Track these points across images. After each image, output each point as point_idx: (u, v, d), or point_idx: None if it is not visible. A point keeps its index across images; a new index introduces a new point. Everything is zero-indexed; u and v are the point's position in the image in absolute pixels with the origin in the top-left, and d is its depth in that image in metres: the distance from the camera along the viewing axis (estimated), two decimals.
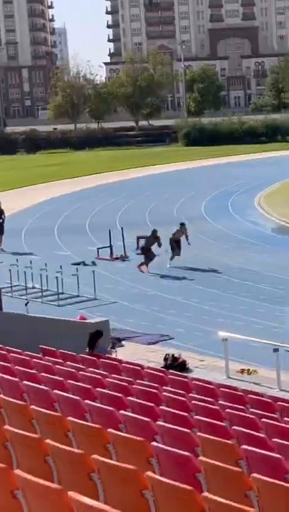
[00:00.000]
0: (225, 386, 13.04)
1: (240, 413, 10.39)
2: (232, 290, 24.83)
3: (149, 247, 28.68)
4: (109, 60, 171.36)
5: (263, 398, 12.25)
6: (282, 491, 6.43)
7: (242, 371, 16.73)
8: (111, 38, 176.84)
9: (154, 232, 29.25)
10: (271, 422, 10.03)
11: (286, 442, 8.77)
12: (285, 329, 20.17)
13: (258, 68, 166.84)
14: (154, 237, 28.93)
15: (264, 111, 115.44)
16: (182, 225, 30.18)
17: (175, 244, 28.98)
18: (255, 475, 6.65)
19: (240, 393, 12.36)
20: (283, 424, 10.10)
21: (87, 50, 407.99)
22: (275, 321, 21.08)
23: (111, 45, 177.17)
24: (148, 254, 28.55)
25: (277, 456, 7.79)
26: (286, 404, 11.81)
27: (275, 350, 15.73)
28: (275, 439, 8.83)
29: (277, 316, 21.67)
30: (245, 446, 7.92)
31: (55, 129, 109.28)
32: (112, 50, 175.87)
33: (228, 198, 48.22)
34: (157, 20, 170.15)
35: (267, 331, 19.83)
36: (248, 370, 16.78)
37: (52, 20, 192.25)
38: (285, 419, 10.65)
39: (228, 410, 10.34)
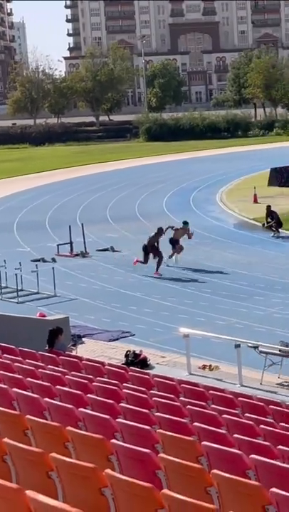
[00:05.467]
0: (186, 382, 13.04)
1: (201, 409, 10.39)
2: (193, 286, 24.84)
3: (153, 244, 27.21)
4: (68, 55, 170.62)
5: (224, 394, 12.26)
6: (243, 486, 6.43)
7: (203, 367, 16.71)
8: (70, 32, 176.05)
9: (160, 229, 27.81)
10: (232, 418, 10.04)
11: (247, 438, 8.78)
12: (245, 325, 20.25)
13: (219, 63, 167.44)
14: (158, 235, 27.53)
15: (225, 106, 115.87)
16: (185, 223, 29.46)
17: (176, 243, 28.34)
18: (215, 471, 6.65)
19: (201, 389, 12.36)
20: (244, 420, 10.11)
21: (47, 44, 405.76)
22: (237, 316, 21.10)
23: (70, 39, 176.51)
24: (155, 253, 27.05)
25: (238, 452, 7.81)
26: (247, 400, 11.83)
27: (237, 346, 15.75)
28: (235, 435, 8.84)
29: (239, 311, 21.69)
30: (205, 443, 7.91)
31: (14, 124, 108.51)
32: (71, 45, 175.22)
33: (189, 193, 48.27)
34: (117, 15, 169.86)
35: (229, 327, 19.86)
36: (210, 366, 16.77)
37: (10, 14, 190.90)
38: (246, 414, 10.66)
39: (189, 407, 10.33)
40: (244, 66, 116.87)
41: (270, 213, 34.04)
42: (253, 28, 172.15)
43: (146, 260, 27.10)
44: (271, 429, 9.71)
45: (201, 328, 18.63)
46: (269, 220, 33.83)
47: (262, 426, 9.68)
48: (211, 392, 12.13)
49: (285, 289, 24.01)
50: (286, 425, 10.16)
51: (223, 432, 9.16)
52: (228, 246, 31.53)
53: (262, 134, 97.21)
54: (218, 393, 12.17)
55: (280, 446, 8.46)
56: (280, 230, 33.51)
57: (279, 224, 33.72)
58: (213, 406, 11.00)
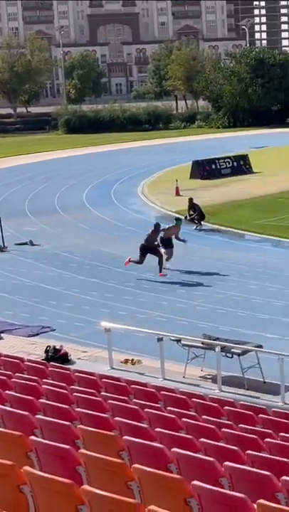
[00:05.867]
0: (108, 377, 12.98)
1: (123, 404, 10.37)
2: (115, 280, 24.71)
3: (153, 244, 25.33)
4: None
5: (146, 388, 12.27)
6: (164, 480, 6.44)
7: (126, 361, 16.60)
8: None
9: (157, 225, 26.02)
10: (154, 411, 10.06)
11: (169, 431, 8.79)
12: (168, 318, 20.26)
13: (140, 55, 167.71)
14: (156, 232, 25.56)
15: (146, 98, 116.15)
16: (178, 220, 27.53)
17: (167, 243, 26.01)
18: (136, 465, 6.65)
19: (123, 384, 12.33)
20: (166, 414, 10.13)
21: None
22: (159, 310, 21.07)
23: None
24: (155, 253, 25.12)
25: (159, 445, 7.81)
26: (170, 394, 11.85)
27: (159, 339, 15.67)
28: (157, 429, 8.85)
29: (161, 305, 21.67)
30: (126, 437, 7.91)
31: None
32: None
33: (110, 186, 48.13)
34: (34, 5, 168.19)
35: (151, 320, 19.83)
36: (132, 360, 16.67)
37: None
38: (169, 408, 10.67)
39: (110, 401, 10.30)
40: (165, 58, 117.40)
41: (192, 206, 34.14)
42: (173, 19, 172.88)
43: (141, 261, 25.07)
44: (194, 422, 9.75)
45: (123, 322, 18.53)
46: (191, 212, 33.92)
47: (184, 419, 9.71)
48: (133, 386, 12.11)
49: (208, 281, 24.11)
50: (209, 418, 10.21)
51: (145, 426, 9.17)
52: None
53: (183, 127, 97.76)
54: (140, 387, 12.16)
55: (202, 439, 8.50)
56: (202, 222, 33.65)
57: (201, 216, 33.86)
58: (135, 400, 10.99)
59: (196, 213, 33.77)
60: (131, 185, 48.21)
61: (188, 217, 33.99)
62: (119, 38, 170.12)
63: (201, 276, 24.89)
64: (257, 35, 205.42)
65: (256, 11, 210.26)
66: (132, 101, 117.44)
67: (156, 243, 25.44)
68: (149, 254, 25.14)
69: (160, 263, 24.97)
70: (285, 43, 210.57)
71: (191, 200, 34.48)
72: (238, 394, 14.44)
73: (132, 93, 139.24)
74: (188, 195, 36.57)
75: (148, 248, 25.10)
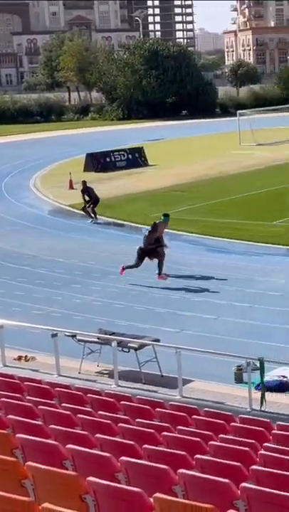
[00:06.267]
0: (0, 375, 12.82)
1: (16, 401, 10.29)
2: (7, 275, 24.30)
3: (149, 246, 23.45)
4: None
5: (40, 385, 12.18)
6: (59, 477, 6.44)
7: (19, 358, 16.42)
8: None
9: (155, 225, 23.93)
10: (48, 408, 10.02)
11: (63, 428, 8.78)
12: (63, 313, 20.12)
13: (30, 45, 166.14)
14: (154, 232, 23.71)
15: (37, 90, 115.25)
16: (165, 216, 25.06)
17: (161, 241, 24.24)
18: (30, 463, 6.63)
19: (16, 381, 12.21)
20: (61, 410, 10.11)
21: None
22: (53, 305, 20.89)
23: None
24: (154, 254, 23.43)
25: (54, 442, 7.81)
26: (65, 390, 11.81)
27: (54, 335, 15.52)
28: (52, 426, 8.83)
29: (55, 300, 21.51)
30: (20, 435, 7.86)
31: None
32: None
33: (1, 179, 47.52)
34: None
35: (45, 316, 19.64)
36: (26, 356, 16.49)
37: None
38: (63, 404, 10.65)
39: (3, 399, 10.20)
40: (56, 49, 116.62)
41: (86, 189, 33.39)
42: (64, 9, 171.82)
43: (137, 264, 23.31)
44: (89, 417, 9.76)
45: (16, 318, 18.30)
46: (87, 198, 33.31)
47: (80, 415, 9.71)
48: (27, 383, 12.01)
49: (104, 276, 23.99)
50: (105, 413, 10.22)
51: (39, 423, 9.13)
52: (43, 233, 31.20)
53: (76, 119, 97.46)
54: (34, 384, 12.07)
55: (98, 435, 8.52)
56: (97, 216, 33.19)
57: (96, 200, 33.34)
58: (28, 397, 10.92)
59: (92, 200, 33.28)
60: (23, 179, 47.72)
61: (86, 206, 33.35)
62: (9, 28, 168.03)
63: (97, 270, 24.81)
64: (151, 27, 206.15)
65: (149, 3, 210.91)
66: (23, 92, 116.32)
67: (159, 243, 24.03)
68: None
69: (160, 265, 23.39)
70: (179, 34, 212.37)
71: (84, 183, 33.90)
72: (135, 388, 14.46)
73: (22, 84, 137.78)
74: (81, 188, 36.28)
75: (146, 251, 23.44)
